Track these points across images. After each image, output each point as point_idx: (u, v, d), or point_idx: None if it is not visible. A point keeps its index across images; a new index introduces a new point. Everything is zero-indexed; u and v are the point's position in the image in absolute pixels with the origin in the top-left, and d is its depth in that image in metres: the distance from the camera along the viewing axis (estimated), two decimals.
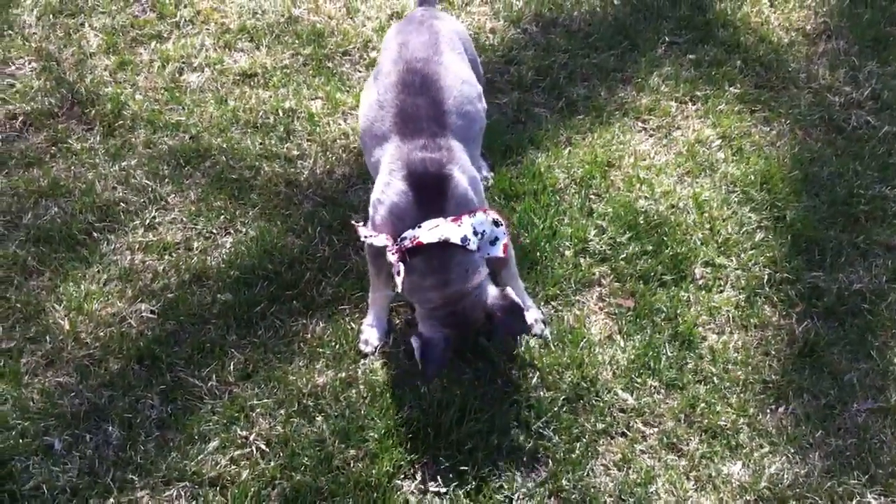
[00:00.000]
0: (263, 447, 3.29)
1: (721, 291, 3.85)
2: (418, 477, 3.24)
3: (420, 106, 3.22)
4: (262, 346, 3.57)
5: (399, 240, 3.05)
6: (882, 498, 3.24)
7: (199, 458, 3.25)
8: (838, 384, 3.56)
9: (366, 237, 3.17)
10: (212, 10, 5.04)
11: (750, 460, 3.33)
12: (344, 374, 3.49)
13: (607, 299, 3.81)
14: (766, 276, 3.88)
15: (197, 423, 3.35)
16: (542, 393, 3.47)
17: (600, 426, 3.40)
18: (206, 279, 3.79)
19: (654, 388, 3.52)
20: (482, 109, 3.54)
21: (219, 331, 3.61)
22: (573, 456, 3.31)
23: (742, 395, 3.51)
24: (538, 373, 3.52)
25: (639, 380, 3.53)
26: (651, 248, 3.95)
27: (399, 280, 3.04)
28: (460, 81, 3.37)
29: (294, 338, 3.61)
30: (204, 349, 3.56)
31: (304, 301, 3.72)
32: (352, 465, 3.25)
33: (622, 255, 3.93)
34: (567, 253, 3.93)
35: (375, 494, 3.17)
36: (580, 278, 3.85)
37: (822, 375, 3.58)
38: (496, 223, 3.18)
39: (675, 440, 3.38)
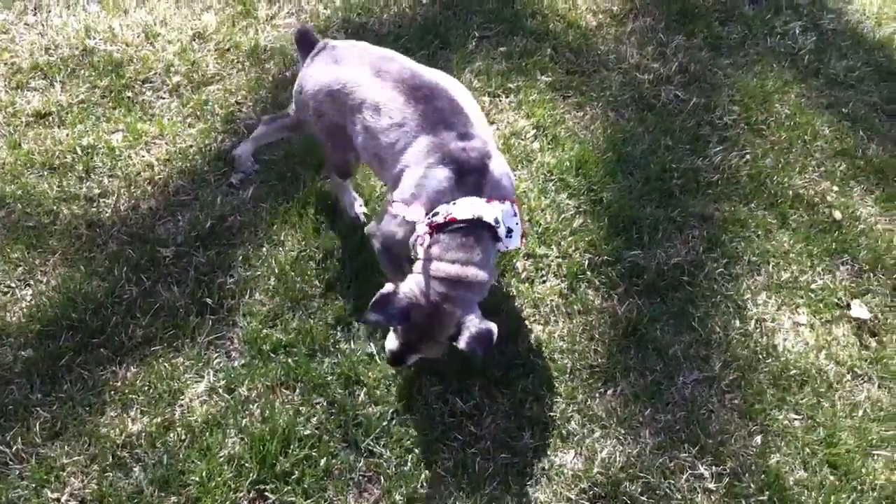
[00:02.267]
0: None
1: (544, 282, 3.83)
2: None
3: (441, 108, 3.21)
4: (70, 401, 3.36)
5: (432, 214, 3.07)
6: (713, 468, 3.26)
7: None
8: (664, 359, 3.58)
9: (397, 213, 3.17)
10: (1, 49, 4.77)
11: (582, 447, 3.32)
12: (160, 419, 3.32)
13: None
14: (586, 261, 3.88)
15: (4, 490, 3.13)
16: (370, 409, 3.37)
17: (432, 434, 3.33)
18: (6, 336, 3.55)
19: (483, 388, 3.46)
20: None
21: (22, 390, 3.39)
22: (405, 469, 3.22)
23: (570, 382, 3.49)
24: (365, 388, 3.42)
25: (468, 381, 3.47)
26: None
27: (421, 250, 3.11)
28: (441, 74, 3.44)
29: (104, 387, 3.41)
30: (7, 412, 3.33)
31: (113, 347, 3.52)
32: None
33: None
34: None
35: None
36: None
37: (648, 353, 3.59)
38: (515, 214, 3.21)
39: (507, 438, 3.33)
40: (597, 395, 3.47)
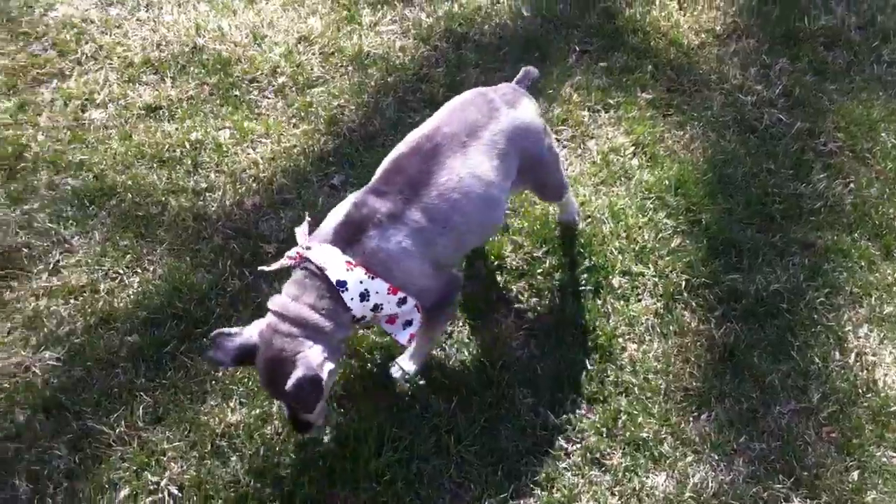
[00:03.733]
0: (176, 492, 3.18)
1: (639, 300, 3.82)
2: None
3: (411, 168, 3.08)
4: (173, 388, 3.46)
5: (306, 244, 2.99)
6: (808, 501, 3.22)
7: None
8: (760, 387, 3.54)
9: (301, 229, 3.09)
10: (114, 44, 4.92)
11: (674, 470, 3.29)
12: (258, 411, 3.39)
13: (525, 315, 3.76)
14: (683, 282, 3.86)
15: (106, 471, 3.23)
16: (461, 416, 3.40)
17: (522, 446, 3.35)
18: (114, 321, 3.67)
19: (576, 402, 3.47)
20: (485, 214, 3.22)
21: (127, 374, 3.50)
22: (496, 479, 3.24)
23: (664, 404, 3.48)
24: (456, 396, 3.45)
25: (560, 395, 3.48)
26: (568, 260, 3.91)
27: (274, 265, 3.05)
28: (467, 171, 3.10)
29: (205, 377, 3.50)
30: (112, 394, 3.44)
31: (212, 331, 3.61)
32: (268, 503, 3.16)
33: (539, 270, 3.88)
34: (483, 271, 3.87)
35: None
36: (497, 296, 3.80)
37: (744, 379, 3.56)
38: (402, 301, 3.02)
39: (598, 455, 3.33)
40: (690, 418, 3.45)
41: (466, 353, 3.58)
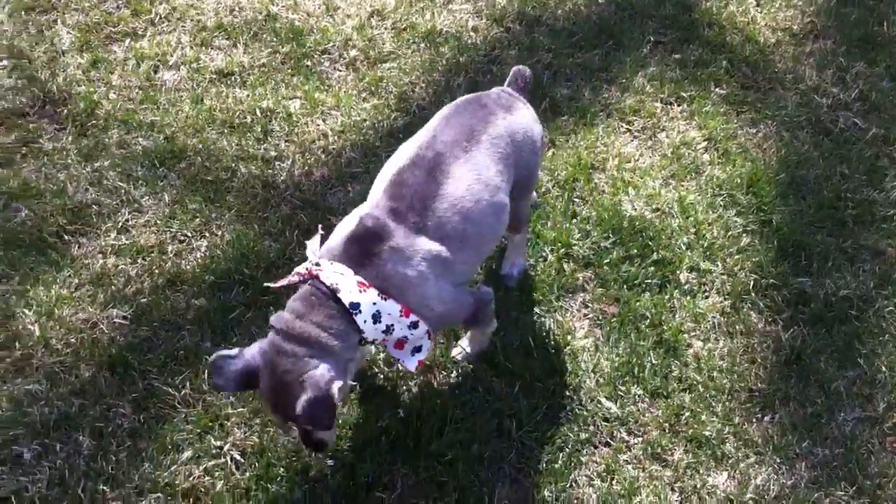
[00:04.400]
0: (238, 457, 3.20)
1: (706, 297, 3.79)
2: (398, 488, 3.15)
3: (415, 181, 2.90)
4: None
5: (314, 263, 2.80)
6: None
7: (172, 468, 3.16)
8: (825, 392, 3.50)
9: (311, 245, 2.92)
10: (188, 6, 4.94)
11: (736, 471, 3.27)
12: None
13: (591, 305, 3.74)
14: (752, 282, 3.82)
15: (170, 432, 3.25)
16: (524, 402, 3.39)
17: (583, 435, 3.33)
18: (181, 284, 3.69)
19: (639, 396, 3.45)
20: (495, 221, 3.09)
21: (193, 337, 3.52)
22: (556, 466, 3.23)
23: (728, 403, 3.45)
24: (520, 381, 3.44)
25: (623, 388, 3.46)
26: (635, 252, 3.88)
27: (282, 282, 2.86)
28: (474, 176, 2.98)
29: None
30: (178, 356, 3.46)
31: (281, 307, 3.60)
32: (329, 476, 3.16)
33: (606, 260, 3.85)
34: (550, 258, 3.85)
35: None
36: (563, 283, 3.78)
37: (809, 383, 3.52)
38: (414, 325, 2.85)
39: (659, 450, 3.31)
40: (754, 419, 3.42)
41: (531, 340, 3.56)
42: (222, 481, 3.13)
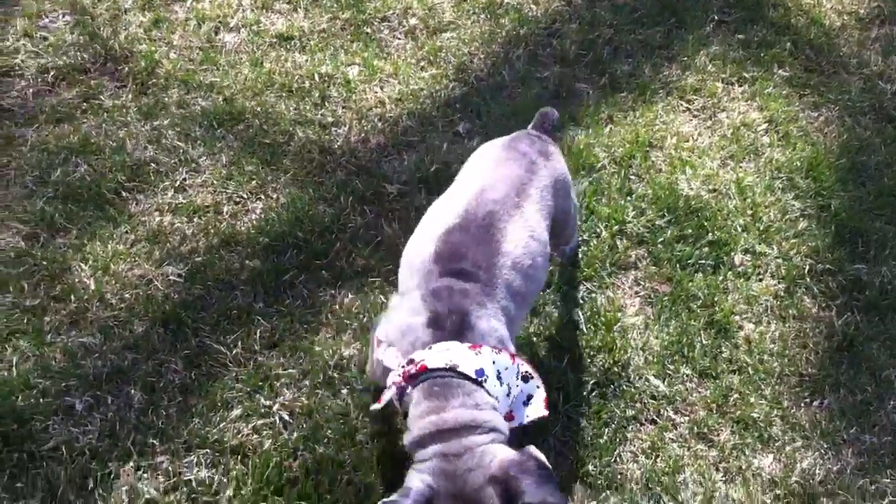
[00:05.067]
0: (287, 417, 3.24)
1: (760, 280, 3.75)
2: None
3: (472, 247, 2.65)
4: (290, 316, 3.51)
5: (407, 361, 2.47)
6: None
7: (220, 425, 3.20)
8: (876, 380, 3.46)
9: (378, 357, 2.62)
10: None
11: (782, 454, 3.25)
12: (367, 348, 3.42)
13: (643, 283, 3.72)
14: (807, 267, 3.77)
15: (220, 390, 3.30)
16: (571, 375, 3.39)
17: (630, 412, 3.33)
18: (235, 244, 3.73)
19: (687, 375, 3.43)
20: (545, 275, 2.91)
21: (246, 298, 3.55)
22: (601, 441, 3.24)
23: (777, 386, 3.42)
24: (569, 355, 3.44)
25: (671, 367, 3.45)
26: (690, 232, 3.85)
27: (383, 400, 2.50)
28: (528, 234, 2.77)
29: (322, 308, 3.54)
30: (230, 316, 3.50)
31: (334, 272, 3.65)
32: (375, 440, 3.19)
33: (660, 239, 3.83)
34: (604, 234, 3.84)
35: (399, 471, 3.10)
36: (616, 260, 3.76)
37: (860, 371, 3.48)
38: (525, 378, 2.55)
39: (705, 430, 3.30)
40: (802, 404, 3.39)
41: (581, 315, 3.55)
42: (270, 440, 3.17)
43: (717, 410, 3.35)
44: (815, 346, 3.55)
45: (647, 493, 3.13)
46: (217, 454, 3.15)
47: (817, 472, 3.20)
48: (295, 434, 3.19)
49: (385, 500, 2.25)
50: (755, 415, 3.33)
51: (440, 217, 2.79)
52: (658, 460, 3.21)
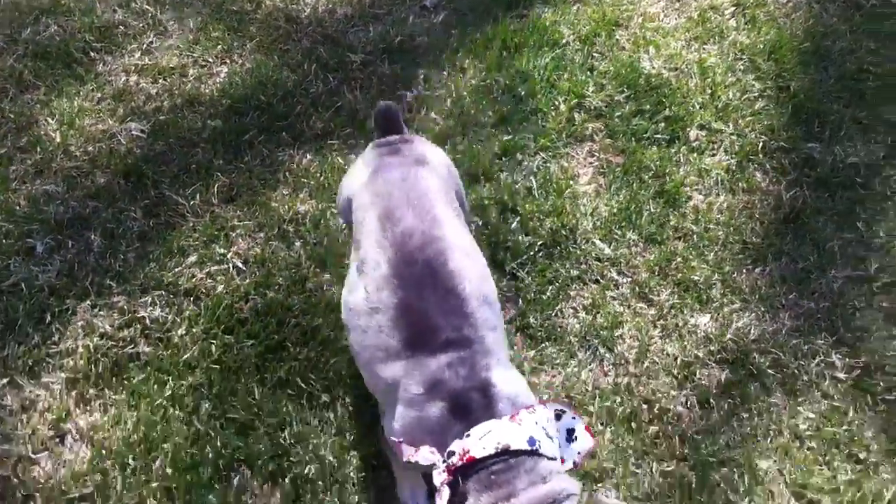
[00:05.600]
0: (240, 265, 3.35)
1: (713, 155, 3.81)
2: None
3: (429, 300, 2.31)
4: (248, 172, 3.60)
5: (447, 455, 2.15)
6: (847, 360, 3.24)
7: (176, 270, 3.32)
8: (819, 251, 3.53)
9: (409, 458, 2.21)
10: None
11: (719, 314, 3.34)
12: (325, 205, 3.52)
13: (597, 154, 3.78)
14: (760, 143, 3.83)
15: (177, 238, 3.41)
16: (521, 237, 3.48)
17: (574, 272, 3.42)
18: (199, 105, 3.81)
19: (633, 241, 3.52)
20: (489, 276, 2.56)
21: (206, 154, 3.64)
22: (544, 297, 3.33)
23: (720, 253, 3.50)
24: (519, 217, 3.52)
25: (618, 232, 3.53)
26: (648, 108, 3.91)
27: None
28: (467, 255, 2.45)
29: (280, 167, 3.63)
30: (190, 170, 3.59)
31: (293, 133, 3.73)
32: (325, 288, 3.30)
33: (618, 113, 3.89)
34: (562, 107, 3.89)
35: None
36: (572, 132, 3.83)
37: (804, 242, 3.56)
38: (558, 415, 2.29)
39: (646, 290, 3.39)
40: (744, 270, 3.47)
41: (534, 181, 3.63)
42: (223, 285, 3.28)
43: (659, 273, 3.44)
44: (761, 217, 3.62)
45: (584, 345, 3.24)
46: (171, 296, 3.27)
47: (752, 331, 3.30)
48: (247, 280, 3.30)
49: None
50: (696, 278, 3.42)
51: (374, 291, 2.37)
52: (598, 316, 3.31)
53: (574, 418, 2.26)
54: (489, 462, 2.09)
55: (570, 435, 2.27)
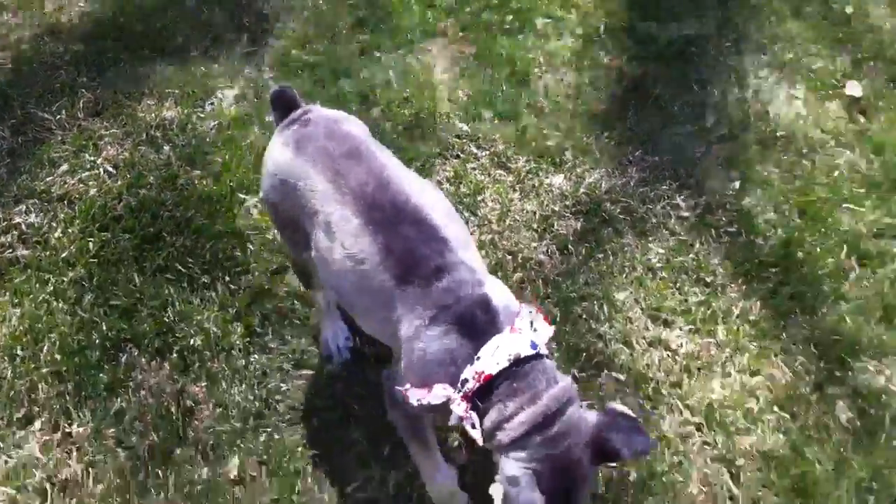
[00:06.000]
0: (111, 169, 3.46)
1: (560, 40, 4.06)
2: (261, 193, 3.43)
3: (407, 237, 2.34)
4: (112, 87, 3.71)
5: (461, 384, 2.24)
6: (690, 200, 3.51)
7: (48, 179, 3.42)
8: (661, 113, 3.81)
9: (420, 400, 2.28)
10: None
11: (572, 174, 3.58)
12: (189, 111, 3.65)
13: (451, 47, 3.99)
14: (602, 26, 4.09)
15: (46, 151, 3.50)
16: (383, 123, 3.66)
17: (436, 150, 3.62)
18: (59, 32, 3.90)
19: (489, 118, 3.74)
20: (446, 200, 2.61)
21: (70, 74, 3.75)
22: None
23: (571, 122, 3.75)
24: (381, 105, 3.72)
25: (475, 112, 3.75)
26: (496, 2, 4.13)
27: (478, 434, 2.24)
28: (420, 188, 2.50)
29: (144, 80, 3.75)
30: (55, 90, 3.70)
31: (155, 49, 3.85)
32: (196, 182, 3.43)
33: (468, 9, 4.11)
34: (415, 7, 4.09)
35: (218, 206, 3.36)
36: (426, 30, 4.03)
37: (647, 107, 3.83)
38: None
39: (504, 159, 3.61)
40: (594, 136, 3.72)
41: (392, 74, 3.82)
42: (95, 189, 3.39)
43: (515, 144, 3.66)
44: (606, 88, 3.89)
45: None
46: (45, 203, 3.36)
47: (603, 185, 3.55)
48: (119, 182, 3.42)
49: (496, 485, 2.23)
50: (549, 144, 3.65)
51: (351, 244, 2.39)
52: (461, 186, 3.52)
53: (531, 311, 2.34)
54: (504, 375, 2.20)
55: (531, 326, 2.35)
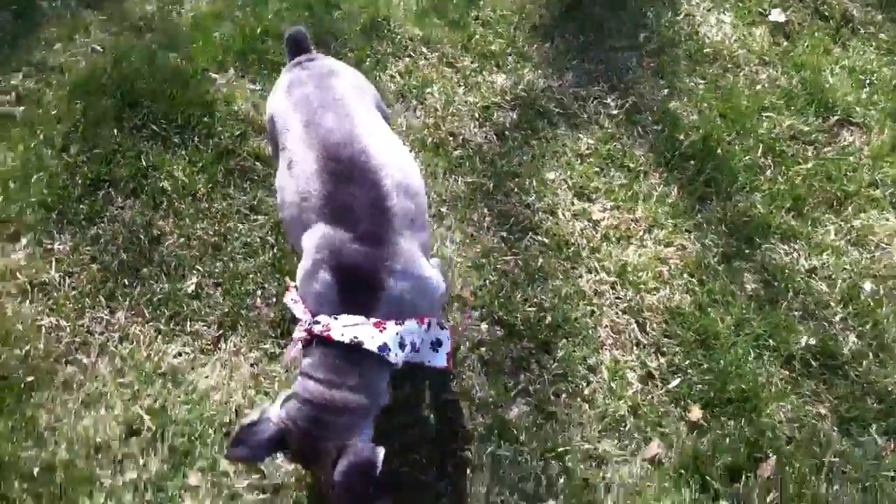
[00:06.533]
0: (98, 48, 3.95)
1: None
2: (230, 72, 3.84)
3: (354, 195, 2.48)
4: None
5: (312, 319, 2.44)
6: (619, 100, 3.86)
7: (44, 53, 3.93)
8: (598, 30, 4.16)
9: (287, 302, 2.56)
10: None
11: (513, 75, 3.93)
12: (169, 7, 4.03)
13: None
14: None
15: (44, 32, 4.01)
16: (342, 25, 4.02)
17: (389, 49, 3.97)
18: None
19: (439, 24, 4.10)
20: (420, 174, 2.75)
21: None
22: (362, 69, 3.84)
23: (513, 32, 4.10)
24: (340, 11, 4.07)
25: (426, 19, 4.10)
26: None
27: (289, 354, 2.53)
28: (393, 152, 2.63)
29: None
30: None
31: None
32: (172, 61, 3.84)
33: None
34: None
35: (191, 81, 3.73)
36: None
37: (586, 24, 4.18)
38: (441, 325, 2.66)
39: (451, 59, 3.96)
40: (535, 45, 4.07)
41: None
42: (84, 62, 3.75)
43: (462, 47, 4.02)
44: (548, 6, 4.24)
45: (399, 99, 3.79)
46: (40, 73, 3.86)
47: (540, 84, 3.89)
48: (106, 58, 3.85)
49: (244, 421, 2.57)
50: (493, 48, 4.00)
51: (304, 184, 2.53)
52: (411, 79, 3.87)
53: (443, 329, 2.62)
54: (337, 348, 2.38)
55: (437, 344, 2.63)
